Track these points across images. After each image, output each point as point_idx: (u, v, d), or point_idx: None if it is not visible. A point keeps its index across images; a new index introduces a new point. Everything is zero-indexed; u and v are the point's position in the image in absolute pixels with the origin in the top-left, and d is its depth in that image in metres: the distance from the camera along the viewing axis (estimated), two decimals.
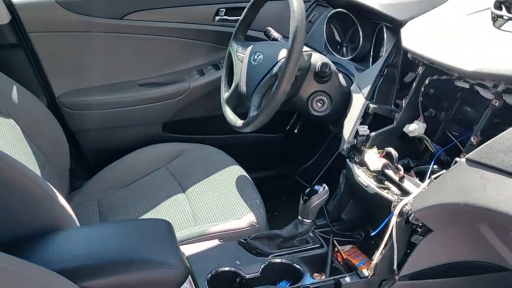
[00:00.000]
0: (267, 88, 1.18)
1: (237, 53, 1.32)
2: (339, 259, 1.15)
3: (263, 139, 1.75)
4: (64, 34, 1.45)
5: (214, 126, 1.64)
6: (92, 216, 1.25)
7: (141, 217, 1.20)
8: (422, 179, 1.01)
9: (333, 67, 1.24)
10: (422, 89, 1.08)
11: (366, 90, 1.18)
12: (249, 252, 1.09)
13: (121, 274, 0.63)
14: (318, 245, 1.15)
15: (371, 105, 1.16)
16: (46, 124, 1.31)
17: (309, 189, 1.10)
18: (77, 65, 1.50)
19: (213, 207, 1.20)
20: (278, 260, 1.09)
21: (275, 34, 1.41)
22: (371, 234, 1.07)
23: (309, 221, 1.11)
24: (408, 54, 1.10)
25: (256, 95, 1.20)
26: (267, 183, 1.51)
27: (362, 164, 1.14)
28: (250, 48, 1.29)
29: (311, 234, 1.16)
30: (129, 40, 1.52)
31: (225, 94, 1.35)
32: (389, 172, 1.07)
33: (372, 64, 1.27)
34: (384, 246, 1.00)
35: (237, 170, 1.34)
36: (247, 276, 1.03)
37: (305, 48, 1.18)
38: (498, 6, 0.97)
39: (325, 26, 1.45)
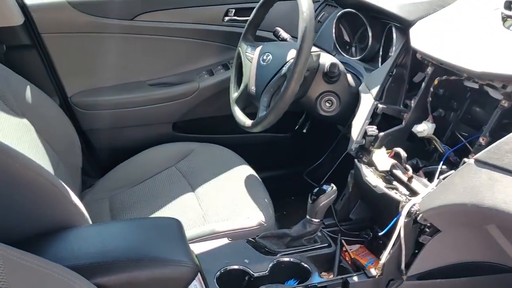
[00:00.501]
0: (276, 88, 1.19)
1: (246, 53, 1.33)
2: (347, 259, 1.15)
3: (272, 139, 1.75)
4: (76, 35, 1.47)
5: (224, 126, 1.65)
6: (103, 214, 1.27)
7: (151, 216, 1.21)
8: (430, 180, 1.00)
9: (341, 67, 1.24)
10: (431, 89, 1.07)
11: (374, 90, 1.18)
12: (258, 251, 1.10)
13: (132, 271, 0.64)
14: (326, 245, 1.15)
15: (380, 105, 1.16)
16: (59, 123, 1.33)
17: (317, 188, 1.10)
18: (89, 66, 1.53)
19: (222, 206, 1.21)
20: (286, 259, 1.09)
21: (284, 34, 1.42)
22: (379, 234, 1.07)
23: (317, 220, 1.11)
24: (417, 54, 1.10)
25: (265, 95, 1.20)
26: (275, 182, 1.52)
27: (371, 164, 1.14)
28: (259, 48, 1.30)
29: (319, 234, 1.16)
30: (140, 41, 1.54)
31: (234, 94, 1.36)
32: (398, 172, 1.07)
33: (381, 64, 1.27)
34: (392, 246, 1.00)
35: (246, 170, 1.35)
36: (256, 275, 1.04)
37: (314, 48, 1.18)
38: (508, 7, 0.96)
39: (334, 26, 1.45)
